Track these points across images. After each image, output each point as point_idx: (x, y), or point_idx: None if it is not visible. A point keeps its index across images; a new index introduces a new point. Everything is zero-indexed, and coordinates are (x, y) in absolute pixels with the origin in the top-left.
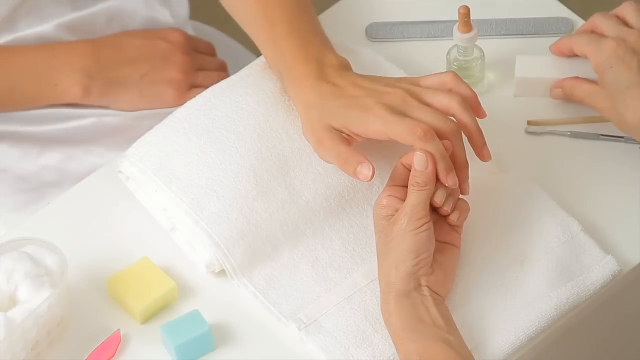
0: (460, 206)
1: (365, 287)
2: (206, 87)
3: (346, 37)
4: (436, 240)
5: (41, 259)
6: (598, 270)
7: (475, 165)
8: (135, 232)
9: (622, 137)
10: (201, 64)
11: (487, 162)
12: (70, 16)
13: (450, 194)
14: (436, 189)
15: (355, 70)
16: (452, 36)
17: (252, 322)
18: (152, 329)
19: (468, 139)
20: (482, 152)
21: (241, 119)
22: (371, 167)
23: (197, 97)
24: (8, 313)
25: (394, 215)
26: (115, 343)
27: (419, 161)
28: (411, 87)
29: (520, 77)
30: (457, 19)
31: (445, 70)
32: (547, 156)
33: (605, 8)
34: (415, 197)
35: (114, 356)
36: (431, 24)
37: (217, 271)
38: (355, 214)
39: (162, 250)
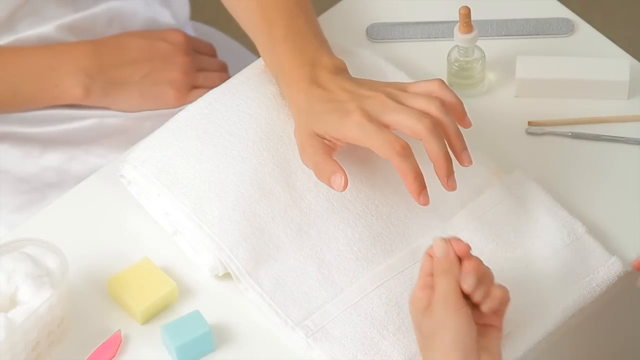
0: (494, 294)
1: (371, 293)
2: (207, 88)
3: (346, 37)
4: (476, 324)
5: (41, 260)
6: (603, 271)
7: (476, 166)
8: (136, 232)
9: (622, 138)
10: (202, 64)
11: (466, 166)
12: (71, 17)
13: (480, 279)
14: (464, 275)
15: (354, 72)
16: (453, 37)
17: (253, 322)
18: (152, 329)
19: (447, 142)
20: (460, 156)
21: (242, 122)
22: (343, 177)
23: (198, 100)
24: (8, 314)
25: (429, 306)
26: (115, 343)
27: (438, 248)
28: (394, 91)
29: (520, 78)
30: (457, 19)
31: (445, 71)
32: (547, 157)
33: (605, 8)
34: (444, 283)
35: (114, 356)
36: (431, 25)
37: (220, 274)
38: (359, 213)
39: (162, 251)
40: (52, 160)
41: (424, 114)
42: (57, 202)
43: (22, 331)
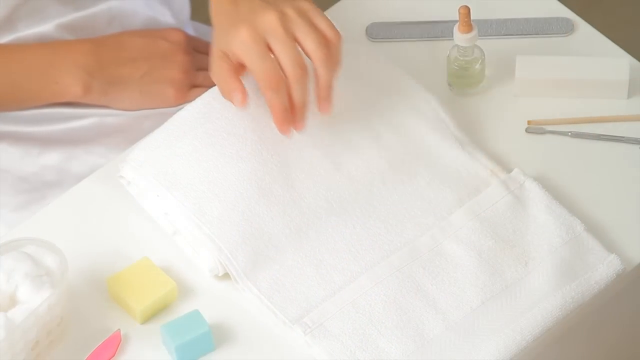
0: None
1: (369, 291)
2: (206, 87)
3: (346, 37)
4: None
5: (41, 259)
6: (602, 268)
7: (475, 165)
8: (135, 231)
9: (622, 137)
10: (201, 63)
11: (323, 114)
12: (71, 16)
13: None
14: None
15: (353, 71)
16: (452, 36)
17: (252, 322)
18: (152, 329)
19: (315, 86)
20: (321, 102)
21: (241, 121)
22: (242, 94)
23: (197, 99)
24: (8, 313)
25: None
26: (115, 343)
27: None
28: (289, 12)
29: (520, 77)
30: (457, 19)
31: (445, 71)
32: (547, 156)
33: (605, 8)
34: None
35: (113, 356)
36: (431, 24)
37: (220, 274)
38: (358, 215)
39: (162, 250)
40: (51, 159)
41: (301, 62)
42: (56, 202)
43: (21, 330)
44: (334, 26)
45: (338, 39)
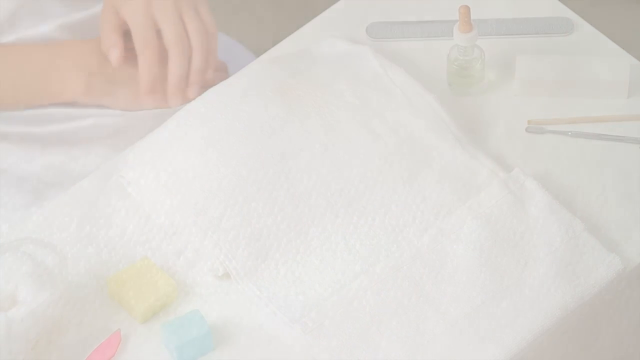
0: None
1: (369, 290)
2: (206, 87)
3: (346, 36)
4: None
5: (41, 259)
6: (602, 268)
7: (475, 165)
8: (136, 231)
9: (622, 137)
10: None
11: (190, 98)
12: (72, 17)
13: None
14: None
15: (353, 70)
16: (452, 36)
17: (252, 321)
18: (152, 328)
19: (189, 71)
20: (190, 86)
21: (241, 121)
22: (121, 50)
23: (197, 99)
24: (8, 312)
25: None
26: (115, 343)
27: None
28: (184, 5)
29: (520, 77)
30: (457, 18)
31: (445, 70)
32: (547, 155)
33: (605, 8)
34: None
35: (113, 356)
36: (431, 24)
37: (220, 274)
38: (358, 214)
39: (162, 250)
40: (51, 159)
41: (184, 40)
42: (57, 201)
43: (21, 330)
44: (213, 20)
45: (215, 32)
